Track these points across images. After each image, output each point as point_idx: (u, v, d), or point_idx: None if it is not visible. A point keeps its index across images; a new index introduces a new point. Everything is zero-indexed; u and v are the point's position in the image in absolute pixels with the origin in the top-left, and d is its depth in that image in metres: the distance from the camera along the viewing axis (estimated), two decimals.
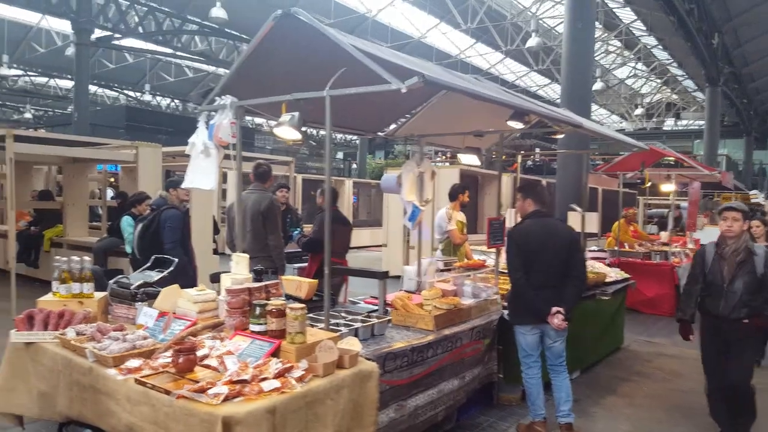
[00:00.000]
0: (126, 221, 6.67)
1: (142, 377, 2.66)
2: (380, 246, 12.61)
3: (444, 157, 22.05)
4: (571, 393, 4.19)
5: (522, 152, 8.45)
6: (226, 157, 3.91)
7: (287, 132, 3.31)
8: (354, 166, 30.76)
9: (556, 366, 4.17)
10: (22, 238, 9.78)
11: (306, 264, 5.65)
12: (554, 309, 3.89)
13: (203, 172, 3.79)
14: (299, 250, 5.85)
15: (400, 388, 3.50)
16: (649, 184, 10.62)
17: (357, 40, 3.26)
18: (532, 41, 20.85)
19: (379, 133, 5.09)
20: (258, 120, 31.29)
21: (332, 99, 3.05)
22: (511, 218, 6.10)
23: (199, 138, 3.75)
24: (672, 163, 12.09)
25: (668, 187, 10.81)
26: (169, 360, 2.80)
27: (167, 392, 2.49)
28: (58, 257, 3.82)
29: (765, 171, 33.70)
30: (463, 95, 4.14)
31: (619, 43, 25.84)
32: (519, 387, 4.84)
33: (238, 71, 3.63)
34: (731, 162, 30.34)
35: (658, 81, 32.75)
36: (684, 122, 38.45)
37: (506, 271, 4.74)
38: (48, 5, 18.19)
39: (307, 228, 6.75)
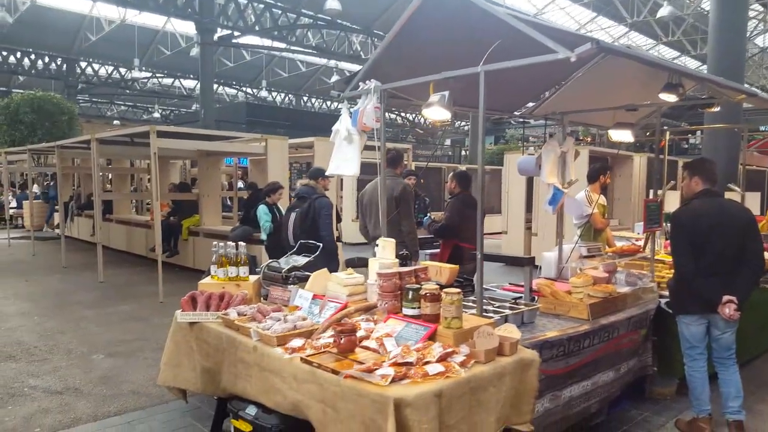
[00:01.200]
0: (262, 210, 6.99)
1: (307, 356, 2.73)
2: (496, 233, 12.29)
3: None
4: (741, 388, 3.78)
5: (667, 128, 7.73)
6: (368, 147, 3.91)
7: (437, 112, 3.23)
8: (464, 152, 30.30)
9: (725, 359, 3.78)
10: (163, 228, 10.63)
11: (437, 250, 5.59)
12: (726, 298, 3.51)
13: (346, 158, 3.82)
14: (430, 236, 5.80)
15: (556, 378, 3.33)
16: None
17: (509, 10, 3.09)
18: (664, 10, 19.19)
19: (516, 113, 4.88)
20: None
21: (469, 78, 2.92)
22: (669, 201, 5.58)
23: (343, 125, 3.78)
24: None
25: None
26: (330, 340, 2.85)
27: (334, 372, 2.53)
28: (215, 242, 4.03)
29: None
30: (614, 66, 3.87)
31: (761, 8, 23.10)
32: (674, 381, 4.52)
33: (381, 55, 3.61)
34: None
35: None
36: None
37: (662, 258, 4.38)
38: (174, 8, 19.63)
39: (435, 215, 6.69)
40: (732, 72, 8.04)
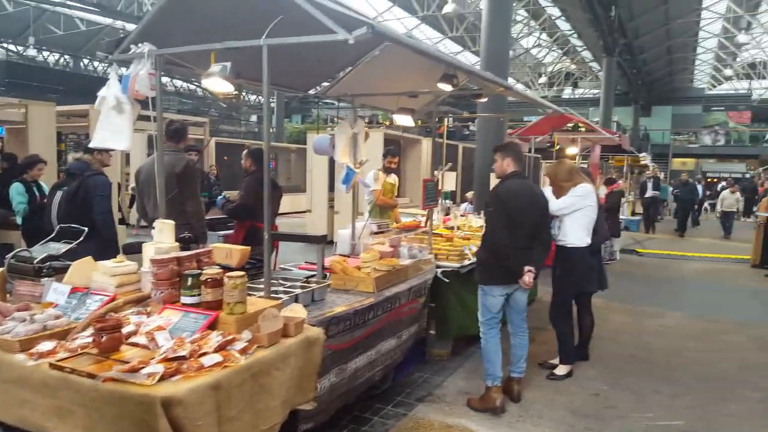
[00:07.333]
0: (15, 189, 5.92)
1: (57, 361, 2.34)
2: (301, 212, 12.31)
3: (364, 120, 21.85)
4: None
5: (451, 116, 8.46)
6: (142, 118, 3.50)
7: (218, 84, 3.00)
8: (271, 130, 29.64)
9: (520, 322, 4.20)
10: None
11: (231, 231, 5.31)
12: (526, 268, 3.90)
13: (115, 130, 3.38)
14: (222, 216, 5.49)
15: (342, 352, 3.40)
16: (557, 147, 11.12)
17: None
18: (448, 7, 20.86)
19: (310, 92, 4.82)
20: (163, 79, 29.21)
21: (256, 51, 2.77)
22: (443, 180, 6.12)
23: (111, 91, 3.32)
24: (570, 128, 12.56)
25: (573, 150, 11.29)
26: (89, 340, 2.49)
27: (91, 376, 2.21)
28: None
29: (649, 136, 36.91)
30: (400, 53, 4.02)
31: (525, 13, 26.48)
32: (449, 342, 5.01)
33: (158, 15, 3.22)
34: (620, 128, 32.77)
35: (560, 51, 34.15)
36: (580, 91, 40.82)
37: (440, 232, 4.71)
38: None
39: (229, 194, 6.39)
40: (499, 68, 9.07)
